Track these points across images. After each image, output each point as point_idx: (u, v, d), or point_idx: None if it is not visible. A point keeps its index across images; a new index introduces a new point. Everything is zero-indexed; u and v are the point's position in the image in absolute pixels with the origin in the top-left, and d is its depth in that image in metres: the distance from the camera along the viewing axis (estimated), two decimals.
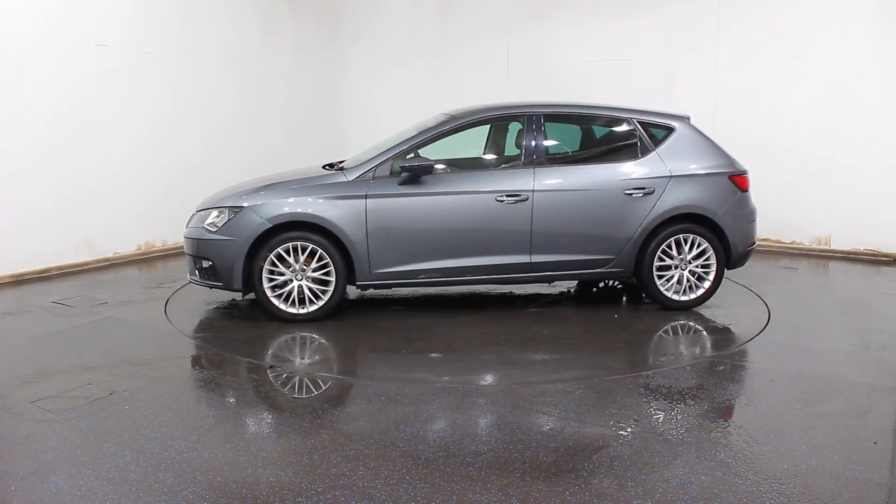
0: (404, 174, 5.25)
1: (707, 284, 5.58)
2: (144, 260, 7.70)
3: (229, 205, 5.29)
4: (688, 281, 5.56)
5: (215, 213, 5.32)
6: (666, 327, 5.21)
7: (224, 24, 8.65)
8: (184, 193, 7.98)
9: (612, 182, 5.45)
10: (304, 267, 5.22)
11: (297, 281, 5.23)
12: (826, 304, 6.05)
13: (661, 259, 5.51)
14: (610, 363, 4.51)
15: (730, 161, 5.66)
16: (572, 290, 6.32)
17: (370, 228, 5.20)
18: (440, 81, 9.85)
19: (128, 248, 7.68)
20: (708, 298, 5.60)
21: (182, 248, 7.91)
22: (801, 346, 4.82)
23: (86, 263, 7.21)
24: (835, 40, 7.69)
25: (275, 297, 5.23)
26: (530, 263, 5.42)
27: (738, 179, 5.61)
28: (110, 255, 7.48)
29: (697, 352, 4.75)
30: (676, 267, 5.54)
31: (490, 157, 6.09)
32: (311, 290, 5.25)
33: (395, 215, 5.25)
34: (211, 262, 5.27)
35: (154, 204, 7.83)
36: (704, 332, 5.14)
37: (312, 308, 5.25)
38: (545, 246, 5.41)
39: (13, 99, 6.46)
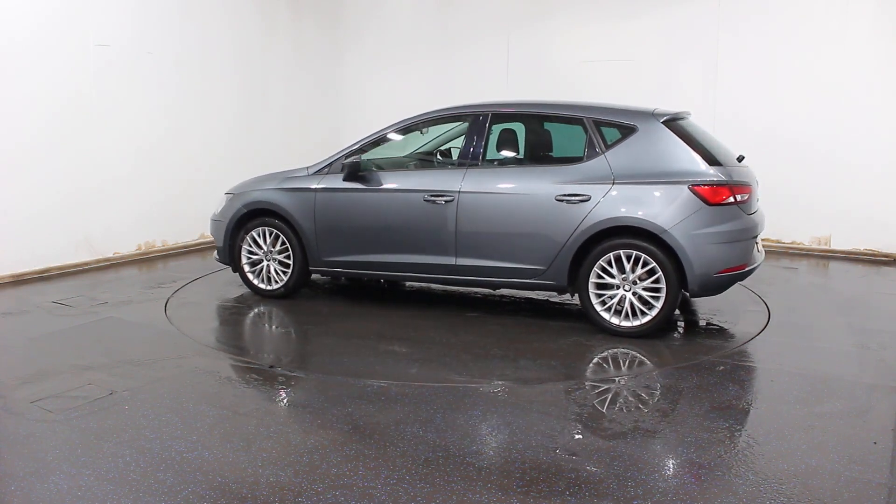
0: (345, 170, 5.57)
1: (654, 312, 4.80)
2: (144, 260, 7.69)
3: (230, 192, 6.13)
4: (631, 304, 4.85)
5: (225, 199, 6.14)
6: (663, 328, 5.19)
7: (224, 24, 8.65)
8: (184, 193, 8.02)
9: (544, 186, 5.02)
10: (272, 249, 5.87)
11: (267, 261, 5.92)
12: (826, 304, 6.05)
13: (601, 276, 4.91)
14: (610, 363, 4.52)
15: (708, 169, 4.77)
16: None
17: (318, 219, 5.65)
18: (440, 81, 9.84)
19: (128, 248, 7.67)
20: (656, 327, 4.83)
21: (182, 247, 8.08)
22: (801, 346, 4.82)
23: (86, 263, 7.20)
24: (835, 40, 7.69)
25: (250, 272, 5.99)
26: (455, 266, 5.30)
27: (702, 191, 4.69)
28: (110, 255, 7.47)
29: (697, 352, 4.74)
30: (619, 287, 4.87)
31: (437, 157, 6.09)
32: (276, 270, 5.89)
33: (336, 208, 5.63)
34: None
35: (154, 204, 7.83)
36: (704, 332, 5.13)
37: (276, 286, 5.89)
38: (469, 249, 5.23)
39: (12, 99, 6.45)
